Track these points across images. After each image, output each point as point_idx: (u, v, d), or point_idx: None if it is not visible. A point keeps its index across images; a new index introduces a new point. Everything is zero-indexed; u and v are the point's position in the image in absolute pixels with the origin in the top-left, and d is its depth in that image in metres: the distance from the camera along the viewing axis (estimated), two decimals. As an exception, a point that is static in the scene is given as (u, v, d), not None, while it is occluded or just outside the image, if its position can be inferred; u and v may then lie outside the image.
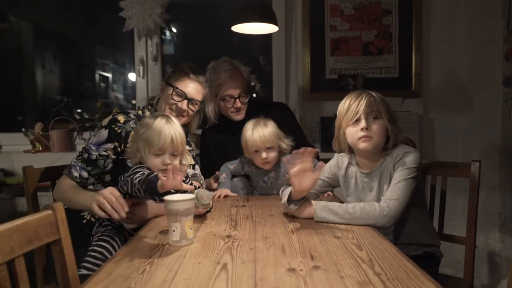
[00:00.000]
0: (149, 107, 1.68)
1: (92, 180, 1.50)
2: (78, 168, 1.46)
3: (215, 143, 1.93)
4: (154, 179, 1.15)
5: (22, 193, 1.57)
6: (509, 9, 2.18)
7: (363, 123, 1.28)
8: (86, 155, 1.47)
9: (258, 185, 1.77)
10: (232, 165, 1.78)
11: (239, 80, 1.84)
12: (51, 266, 1.43)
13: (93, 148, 1.46)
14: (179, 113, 1.63)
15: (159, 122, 1.31)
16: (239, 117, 1.86)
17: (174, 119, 1.39)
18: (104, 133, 1.48)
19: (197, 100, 1.66)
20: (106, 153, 1.47)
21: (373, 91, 1.34)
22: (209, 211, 1.37)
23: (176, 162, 1.33)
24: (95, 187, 1.52)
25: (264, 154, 1.66)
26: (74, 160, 1.49)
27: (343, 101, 1.35)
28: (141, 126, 1.34)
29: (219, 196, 1.64)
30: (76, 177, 1.46)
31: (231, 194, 1.69)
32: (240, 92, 1.83)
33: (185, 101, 1.62)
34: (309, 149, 1.15)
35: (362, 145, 1.30)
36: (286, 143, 1.69)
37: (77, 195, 1.40)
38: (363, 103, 1.29)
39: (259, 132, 1.65)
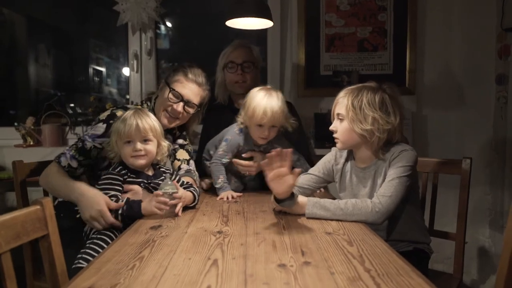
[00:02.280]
0: (148, 103, 1.65)
1: (81, 170, 1.48)
2: (68, 156, 1.44)
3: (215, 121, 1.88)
4: (137, 207, 1.26)
5: (13, 188, 1.55)
6: (503, 7, 2.19)
7: (332, 124, 1.35)
8: (81, 144, 1.46)
9: (240, 159, 1.67)
10: (226, 156, 1.63)
11: (244, 50, 1.84)
12: (41, 261, 1.42)
13: (89, 140, 1.45)
14: (174, 116, 1.56)
15: (127, 113, 1.37)
16: (243, 89, 1.81)
17: (148, 113, 1.41)
18: (102, 127, 1.45)
19: (194, 103, 1.59)
20: (101, 146, 1.45)
21: (356, 90, 1.30)
22: (193, 207, 1.39)
23: (150, 147, 1.36)
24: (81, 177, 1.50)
25: (266, 132, 1.56)
26: (67, 148, 1.47)
27: None
28: (115, 121, 1.40)
29: (227, 198, 1.54)
30: (64, 166, 1.43)
31: (237, 194, 1.59)
32: (244, 60, 1.81)
33: (181, 103, 1.56)
34: (285, 151, 1.12)
35: (336, 145, 1.37)
36: (290, 125, 1.60)
37: (63, 184, 1.38)
38: (334, 103, 1.35)
39: (272, 107, 1.51)
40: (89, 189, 1.31)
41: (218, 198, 1.56)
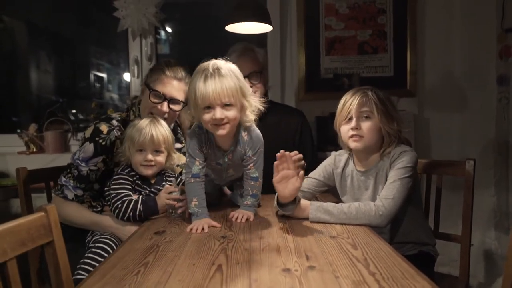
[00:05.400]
0: (133, 109, 1.59)
1: (87, 193, 1.47)
2: (71, 188, 1.43)
3: None
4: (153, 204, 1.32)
5: (17, 195, 1.55)
6: (503, 7, 2.19)
7: (353, 122, 1.31)
8: (76, 172, 1.43)
9: (209, 166, 1.31)
10: (195, 163, 1.23)
11: (249, 59, 1.73)
12: (45, 268, 1.42)
13: (82, 164, 1.42)
14: (161, 117, 1.48)
15: (143, 122, 1.39)
16: None
17: (162, 121, 1.42)
18: (90, 147, 1.42)
19: (178, 100, 1.51)
20: (96, 167, 1.44)
21: (372, 89, 1.32)
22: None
23: (160, 159, 1.39)
24: (92, 203, 1.49)
25: (218, 113, 1.12)
26: (64, 179, 1.44)
27: (342, 98, 1.37)
28: (129, 127, 1.41)
29: (197, 230, 1.12)
30: (72, 199, 1.43)
31: (214, 224, 1.17)
32: (250, 71, 1.69)
33: (165, 103, 1.49)
34: (292, 153, 1.13)
35: (353, 144, 1.33)
36: (251, 102, 1.19)
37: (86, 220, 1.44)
38: (355, 102, 1.30)
39: (215, 77, 1.10)
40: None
41: (187, 229, 1.14)
